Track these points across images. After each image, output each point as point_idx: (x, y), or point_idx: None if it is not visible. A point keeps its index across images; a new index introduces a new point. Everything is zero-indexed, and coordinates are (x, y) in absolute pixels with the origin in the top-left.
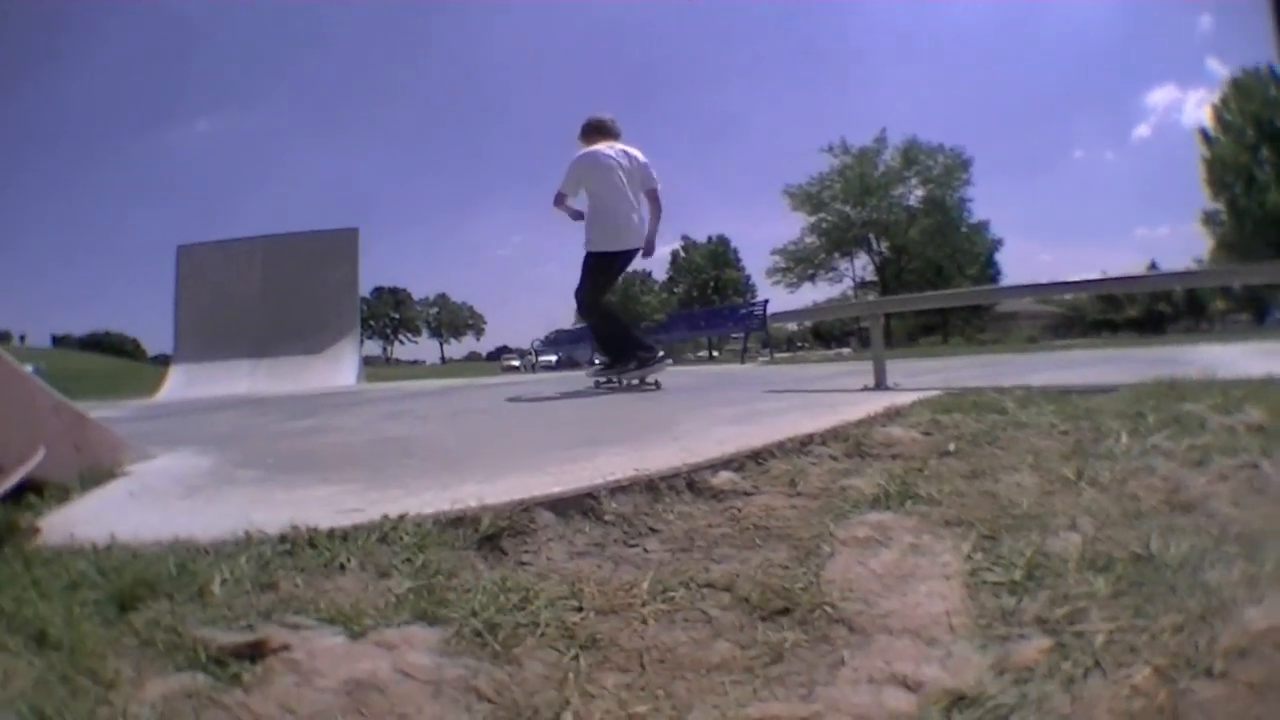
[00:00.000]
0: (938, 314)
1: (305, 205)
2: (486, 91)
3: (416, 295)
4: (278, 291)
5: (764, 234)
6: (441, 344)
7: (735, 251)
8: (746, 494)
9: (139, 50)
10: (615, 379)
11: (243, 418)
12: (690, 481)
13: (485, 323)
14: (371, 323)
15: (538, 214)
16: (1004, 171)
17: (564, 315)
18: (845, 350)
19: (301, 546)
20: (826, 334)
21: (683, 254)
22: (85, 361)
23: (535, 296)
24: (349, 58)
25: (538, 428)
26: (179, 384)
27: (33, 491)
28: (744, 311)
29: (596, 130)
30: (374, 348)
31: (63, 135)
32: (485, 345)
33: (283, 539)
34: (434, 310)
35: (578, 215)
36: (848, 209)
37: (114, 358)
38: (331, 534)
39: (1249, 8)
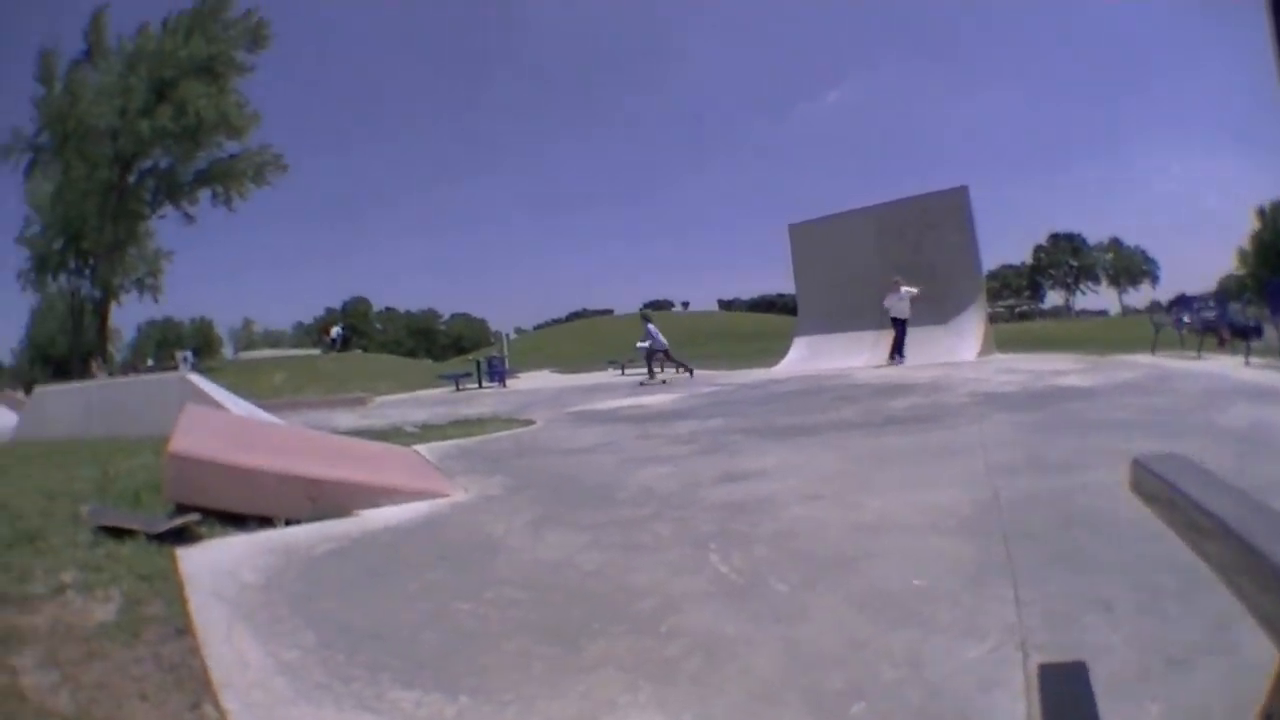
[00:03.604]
0: None
1: (937, 164)
2: None
3: (1091, 239)
4: (893, 261)
5: None
6: (1120, 293)
7: None
8: None
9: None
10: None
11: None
12: None
13: (1159, 269)
14: (1051, 271)
15: (1196, 128)
16: None
17: (1222, 256)
18: None
19: None
20: None
21: None
22: (748, 321)
23: (1201, 235)
24: None
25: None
26: (799, 356)
27: (262, 520)
28: None
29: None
30: (1055, 298)
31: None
32: (1164, 291)
33: None
34: (1108, 256)
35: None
36: None
37: (782, 315)
38: None
39: None
